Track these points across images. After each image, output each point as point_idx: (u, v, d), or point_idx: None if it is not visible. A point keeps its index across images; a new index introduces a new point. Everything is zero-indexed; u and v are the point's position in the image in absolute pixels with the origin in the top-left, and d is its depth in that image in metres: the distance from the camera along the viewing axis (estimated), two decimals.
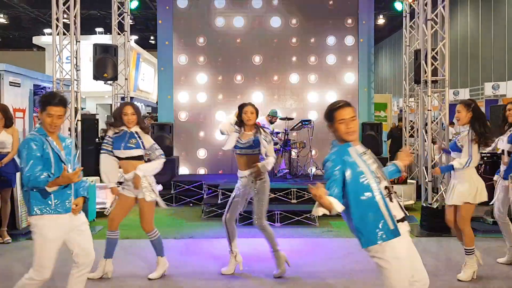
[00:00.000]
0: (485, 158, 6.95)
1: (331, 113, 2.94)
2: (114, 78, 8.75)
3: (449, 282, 4.53)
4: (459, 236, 4.69)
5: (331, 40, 9.83)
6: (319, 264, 5.08)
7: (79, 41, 7.03)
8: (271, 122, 8.92)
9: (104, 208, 7.88)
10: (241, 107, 4.80)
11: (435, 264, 5.08)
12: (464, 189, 4.53)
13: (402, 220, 2.75)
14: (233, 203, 4.80)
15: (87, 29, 16.25)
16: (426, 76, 6.97)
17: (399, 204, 2.81)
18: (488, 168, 6.82)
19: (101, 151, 4.56)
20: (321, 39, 9.83)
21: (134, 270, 4.92)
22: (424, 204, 6.77)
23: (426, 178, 6.85)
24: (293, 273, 4.78)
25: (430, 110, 6.85)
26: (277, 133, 8.76)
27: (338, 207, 2.64)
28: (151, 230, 4.68)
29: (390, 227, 2.67)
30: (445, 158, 6.52)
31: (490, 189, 6.72)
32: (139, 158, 4.58)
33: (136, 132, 4.56)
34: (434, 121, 7.16)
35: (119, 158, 4.56)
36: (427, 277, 2.84)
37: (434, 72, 7.01)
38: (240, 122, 4.80)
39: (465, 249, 4.56)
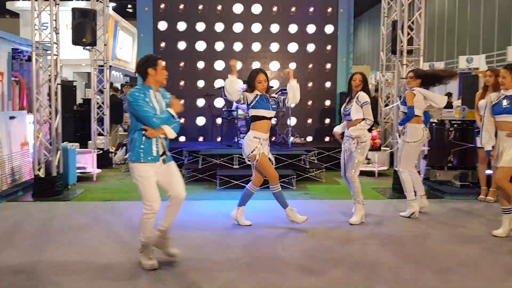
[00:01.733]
0: (455, 125, 7.26)
1: None
2: (93, 43, 8.67)
3: (418, 235, 4.85)
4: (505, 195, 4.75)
5: (311, 9, 9.90)
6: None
7: (58, 4, 6.93)
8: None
9: (84, 172, 7.97)
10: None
11: (406, 221, 5.40)
12: None
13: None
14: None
15: None
16: (402, 46, 7.17)
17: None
18: (458, 134, 7.15)
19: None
20: (301, 9, 9.89)
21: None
22: (395, 169, 7.08)
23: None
24: (273, 228, 5.02)
25: (403, 78, 7.08)
26: None
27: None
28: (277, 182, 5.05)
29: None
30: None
31: (460, 155, 7.12)
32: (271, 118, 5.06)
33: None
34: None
35: (261, 118, 4.90)
36: (180, 192, 3.84)
37: (410, 42, 7.22)
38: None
39: (502, 209, 4.77)
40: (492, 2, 20.75)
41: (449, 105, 9.78)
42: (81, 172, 7.90)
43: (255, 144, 4.87)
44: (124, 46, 20.52)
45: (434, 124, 7.41)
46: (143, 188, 3.80)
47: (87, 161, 8.11)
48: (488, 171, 6.30)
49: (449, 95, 13.47)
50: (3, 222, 5.30)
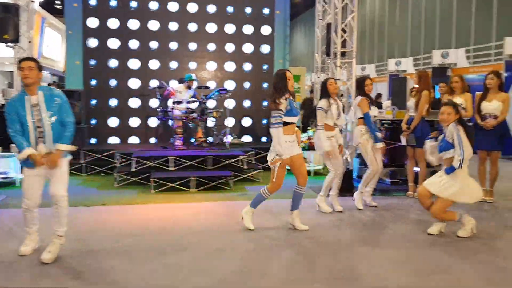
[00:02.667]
0: (386, 125, 7.53)
1: None
2: (16, 40, 8.07)
3: (350, 225, 4.94)
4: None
5: (248, 10, 9.88)
6: (233, 223, 5.23)
7: None
8: (189, 87, 8.85)
9: (6, 177, 7.40)
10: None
11: (341, 217, 5.49)
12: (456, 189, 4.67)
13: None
14: None
15: None
16: (336, 48, 7.32)
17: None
18: (388, 134, 7.42)
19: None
20: (238, 9, 9.84)
21: None
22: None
23: None
24: (209, 232, 4.90)
25: (339, 79, 7.23)
26: (194, 101, 8.70)
27: None
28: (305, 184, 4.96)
29: None
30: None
31: (391, 154, 7.38)
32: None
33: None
34: (342, 95, 7.54)
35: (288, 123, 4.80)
36: (54, 191, 3.94)
37: (344, 44, 7.40)
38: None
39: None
40: (418, 7, 21.98)
41: (379, 106, 10.16)
42: (3, 178, 7.34)
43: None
44: (51, 43, 19.47)
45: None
46: (23, 185, 4.09)
47: (9, 166, 7.53)
48: (416, 168, 6.59)
49: (378, 95, 14.06)
50: None
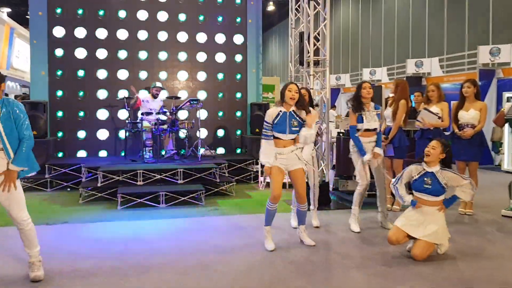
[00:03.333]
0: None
1: None
2: None
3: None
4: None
5: (220, 19, 9.68)
6: (202, 241, 4.96)
7: None
8: (155, 96, 8.55)
9: None
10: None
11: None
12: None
13: None
14: None
15: None
16: (309, 56, 7.16)
17: None
18: None
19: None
20: (210, 18, 9.63)
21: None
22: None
23: None
24: (177, 252, 4.60)
25: (312, 89, 7.07)
26: (164, 112, 8.42)
27: None
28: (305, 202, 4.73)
29: None
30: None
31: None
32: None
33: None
34: (317, 105, 7.37)
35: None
36: (19, 215, 3.68)
37: (317, 53, 7.25)
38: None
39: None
40: (391, 17, 22.24)
41: None
42: None
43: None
44: (21, 54, 18.89)
45: (341, 134, 7.47)
46: None
47: None
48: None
49: None
50: None
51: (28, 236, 3.78)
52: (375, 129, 5.32)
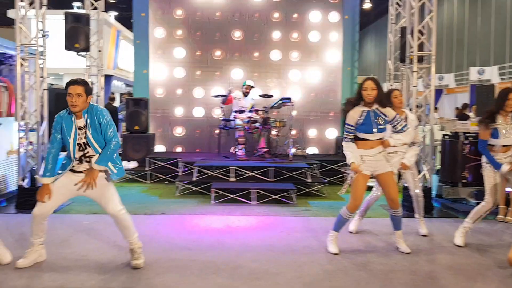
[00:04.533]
0: (470, 139, 6.75)
1: None
2: (86, 49, 8.26)
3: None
4: None
5: (314, 15, 9.48)
6: (294, 241, 4.81)
7: (46, 5, 6.55)
8: (245, 94, 8.60)
9: None
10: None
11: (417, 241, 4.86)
12: None
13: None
14: None
15: (63, 5, 15.57)
16: (412, 52, 6.69)
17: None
18: (473, 148, 6.61)
19: None
20: (304, 15, 9.47)
21: None
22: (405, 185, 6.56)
23: None
24: (269, 250, 4.51)
25: (415, 86, 6.60)
26: (256, 110, 8.41)
27: None
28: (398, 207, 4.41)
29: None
30: None
31: (476, 171, 6.58)
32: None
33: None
34: (419, 106, 6.86)
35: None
36: (112, 208, 3.83)
37: (420, 48, 6.74)
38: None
39: None
40: (503, 13, 20.31)
41: (465, 117, 9.29)
42: None
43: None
44: (126, 55, 20.23)
45: (447, 137, 6.90)
46: None
47: None
48: (508, 189, 5.75)
49: (465, 106, 12.88)
50: None
51: (125, 225, 3.92)
52: None
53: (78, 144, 3.76)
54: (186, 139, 9.42)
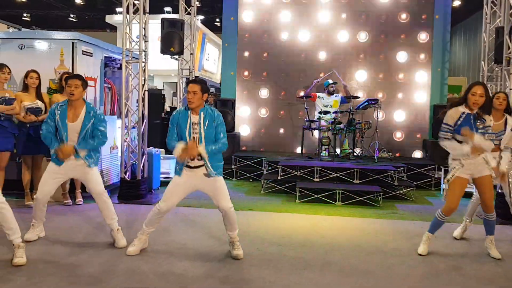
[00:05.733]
0: None
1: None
2: (180, 52, 8.82)
3: None
4: None
5: (403, 16, 9.31)
6: (382, 243, 4.84)
7: (148, 12, 7.13)
8: (331, 93, 8.74)
9: (168, 177, 8.06)
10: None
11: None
12: None
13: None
14: None
15: (156, 10, 16.54)
16: (510, 53, 6.39)
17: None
18: None
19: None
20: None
21: None
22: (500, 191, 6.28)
23: None
24: (357, 251, 4.60)
25: (511, 89, 6.30)
26: (341, 111, 8.44)
27: None
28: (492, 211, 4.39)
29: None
30: None
31: None
32: None
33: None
34: None
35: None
36: (224, 206, 4.14)
37: None
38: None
39: None
40: None
41: None
42: (165, 177, 8.00)
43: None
44: (210, 57, 21.06)
45: None
46: (167, 189, 4.35)
47: (171, 167, 8.19)
48: None
49: None
50: (87, 223, 5.41)
51: (231, 220, 4.26)
52: None
53: (192, 137, 4.12)
54: (269, 139, 9.68)
